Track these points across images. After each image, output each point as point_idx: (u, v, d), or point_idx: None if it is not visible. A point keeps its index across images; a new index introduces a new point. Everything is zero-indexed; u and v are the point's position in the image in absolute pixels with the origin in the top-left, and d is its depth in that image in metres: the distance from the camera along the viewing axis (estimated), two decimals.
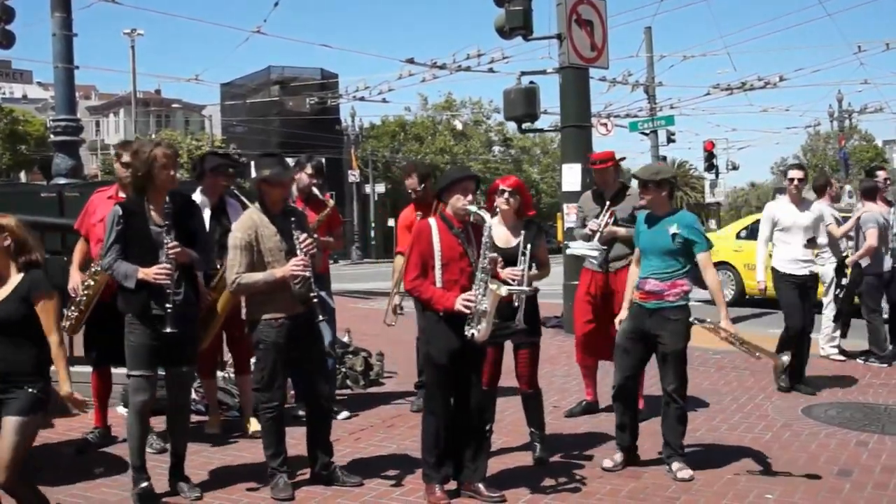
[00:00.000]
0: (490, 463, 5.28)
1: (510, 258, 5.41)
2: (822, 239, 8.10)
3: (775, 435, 6.43)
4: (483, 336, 4.90)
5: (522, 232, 5.50)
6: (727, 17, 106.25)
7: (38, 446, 4.49)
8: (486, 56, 21.17)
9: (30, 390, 4.11)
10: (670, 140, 28.56)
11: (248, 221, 5.25)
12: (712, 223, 35.83)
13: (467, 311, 4.85)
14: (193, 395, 6.98)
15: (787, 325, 7.86)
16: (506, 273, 5.25)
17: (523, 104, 12.25)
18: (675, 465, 5.46)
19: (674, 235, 5.45)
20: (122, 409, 6.32)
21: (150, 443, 6.06)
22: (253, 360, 7.24)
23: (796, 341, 7.68)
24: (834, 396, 7.71)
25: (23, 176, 47.80)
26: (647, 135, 28.12)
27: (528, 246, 5.41)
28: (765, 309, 14.21)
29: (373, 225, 50.72)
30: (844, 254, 9.50)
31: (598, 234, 6.73)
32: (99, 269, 5.68)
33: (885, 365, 8.97)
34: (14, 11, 11.18)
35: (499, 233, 5.45)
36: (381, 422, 7.00)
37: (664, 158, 27.58)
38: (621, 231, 6.72)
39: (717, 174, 29.59)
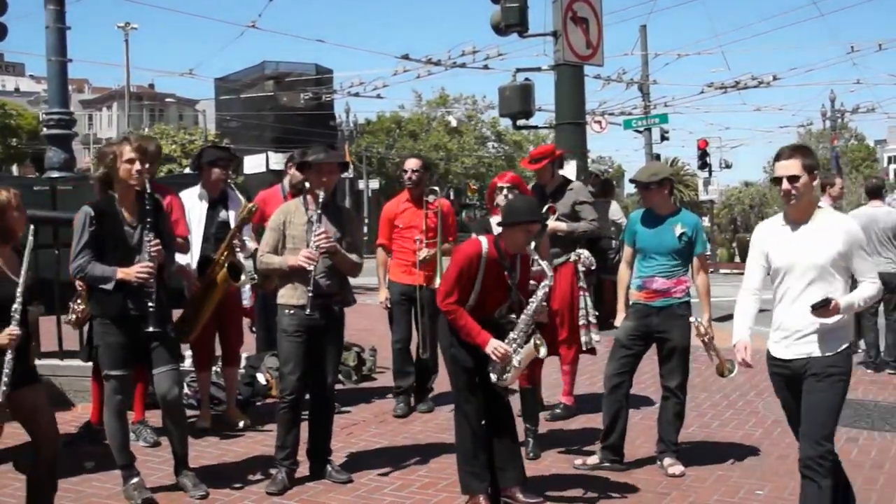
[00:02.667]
0: None
1: None
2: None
3: (766, 431, 6.45)
4: (506, 385, 4.82)
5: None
6: (722, 16, 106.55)
7: (28, 442, 4.48)
8: (482, 53, 21.16)
9: None
10: (664, 138, 28.55)
11: (286, 206, 5.45)
12: (706, 221, 35.94)
13: (495, 360, 4.71)
14: (186, 390, 6.99)
15: None
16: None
17: (518, 101, 12.27)
18: (667, 461, 5.49)
19: (681, 235, 5.47)
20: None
21: (145, 436, 6.09)
22: (245, 354, 7.33)
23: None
24: None
25: (15, 169, 47.64)
26: (641, 132, 28.12)
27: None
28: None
29: (366, 220, 50.66)
30: None
31: None
32: None
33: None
34: (6, 3, 11.11)
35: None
36: (373, 417, 7.01)
37: (658, 156, 27.55)
38: (562, 226, 6.69)
39: (710, 172, 29.59)
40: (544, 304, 4.81)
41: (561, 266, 6.70)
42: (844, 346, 4.09)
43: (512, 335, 4.75)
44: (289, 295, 5.26)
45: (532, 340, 4.72)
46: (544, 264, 4.84)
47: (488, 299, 4.83)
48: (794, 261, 4.09)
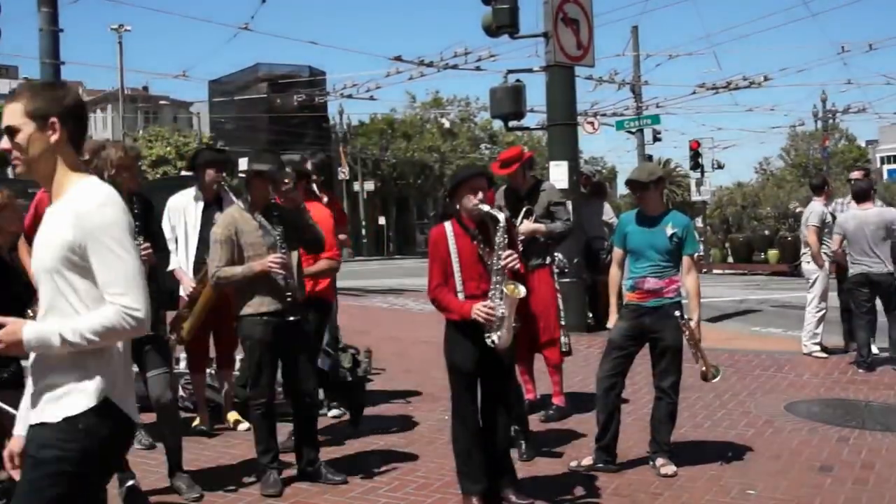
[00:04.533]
0: None
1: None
2: None
3: (758, 431, 6.49)
4: (505, 342, 4.74)
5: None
6: (713, 17, 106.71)
7: None
8: (474, 54, 21.25)
9: None
10: (656, 139, 28.70)
11: (229, 217, 5.34)
12: (699, 221, 36.00)
13: (484, 321, 4.67)
14: (181, 393, 7.03)
15: None
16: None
17: (510, 102, 12.30)
18: (660, 461, 5.51)
19: (672, 235, 5.52)
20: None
21: (139, 438, 6.10)
22: (240, 356, 7.34)
23: None
24: (816, 393, 7.79)
25: (10, 172, 47.59)
26: (633, 133, 28.25)
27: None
28: (750, 307, 14.31)
29: (363, 222, 50.76)
30: None
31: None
32: None
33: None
34: (0, 6, 11.15)
35: None
36: (367, 418, 7.02)
37: (650, 157, 27.65)
38: (540, 228, 6.68)
39: (702, 173, 29.66)
40: (508, 250, 4.73)
41: (538, 269, 6.70)
42: (74, 413, 2.49)
43: (490, 292, 4.71)
44: (258, 304, 5.21)
45: (505, 287, 4.67)
46: (496, 211, 4.77)
47: (477, 279, 4.79)
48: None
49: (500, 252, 4.73)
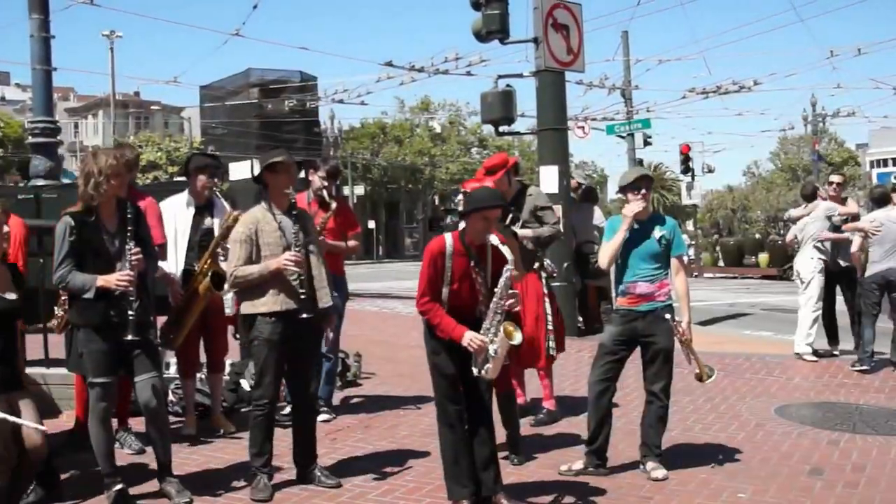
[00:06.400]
0: None
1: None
2: None
3: (748, 434, 6.50)
4: (492, 376, 4.78)
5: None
6: (702, 22, 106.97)
7: None
8: (464, 59, 21.27)
9: None
10: (647, 143, 28.66)
11: (251, 217, 5.37)
12: (689, 225, 36.04)
13: (474, 352, 4.70)
14: (171, 397, 7.02)
15: None
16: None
17: (500, 107, 12.32)
18: (650, 465, 5.51)
19: (660, 238, 5.54)
20: None
21: (129, 443, 6.09)
22: (230, 361, 7.34)
23: None
24: (806, 396, 7.81)
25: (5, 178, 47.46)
26: (623, 138, 28.24)
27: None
28: (741, 311, 14.32)
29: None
30: None
31: None
32: None
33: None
34: None
35: None
36: (357, 422, 7.02)
37: (641, 161, 27.69)
38: (527, 233, 6.68)
39: (692, 177, 29.73)
40: (512, 290, 4.76)
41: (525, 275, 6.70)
42: None
43: (485, 325, 4.74)
44: (271, 302, 5.22)
45: (502, 328, 4.71)
46: (504, 249, 4.78)
47: (462, 294, 4.83)
48: None
49: (503, 292, 4.74)
